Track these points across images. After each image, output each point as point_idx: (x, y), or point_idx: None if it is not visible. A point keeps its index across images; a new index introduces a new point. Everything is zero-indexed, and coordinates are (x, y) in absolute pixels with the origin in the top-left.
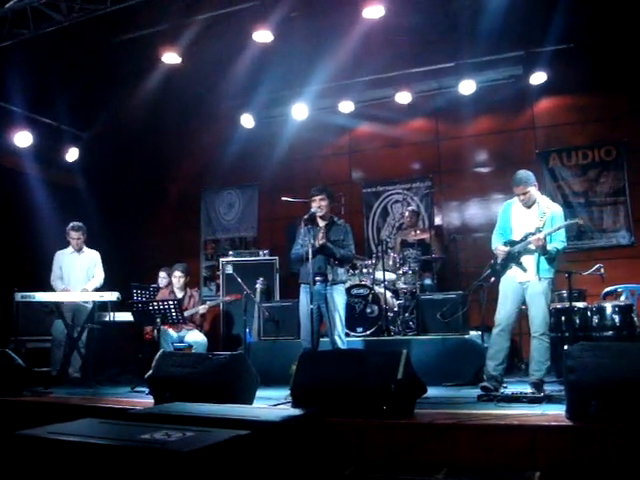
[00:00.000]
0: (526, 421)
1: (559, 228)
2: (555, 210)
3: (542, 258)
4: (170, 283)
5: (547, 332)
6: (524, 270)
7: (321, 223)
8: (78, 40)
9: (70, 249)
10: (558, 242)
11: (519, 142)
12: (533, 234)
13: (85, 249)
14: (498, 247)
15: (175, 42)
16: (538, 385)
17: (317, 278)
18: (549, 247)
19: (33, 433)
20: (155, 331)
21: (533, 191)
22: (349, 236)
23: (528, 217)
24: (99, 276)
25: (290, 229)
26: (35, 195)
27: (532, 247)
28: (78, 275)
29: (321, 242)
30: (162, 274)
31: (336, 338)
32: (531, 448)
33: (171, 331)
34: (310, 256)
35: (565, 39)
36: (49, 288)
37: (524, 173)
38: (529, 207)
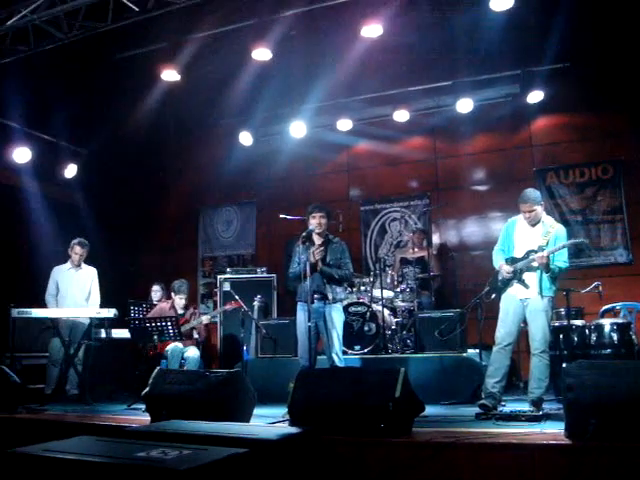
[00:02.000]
0: (525, 440)
1: (564, 246)
2: (559, 230)
3: (545, 276)
4: (164, 297)
5: (547, 350)
6: (526, 287)
7: (317, 241)
8: (78, 57)
9: (68, 265)
10: (560, 262)
11: (516, 160)
12: (536, 252)
13: (83, 265)
14: (502, 265)
15: (174, 60)
16: (537, 403)
17: (315, 296)
18: (552, 266)
19: (28, 451)
20: (157, 346)
21: (539, 210)
22: (346, 254)
23: (532, 235)
24: (97, 295)
25: (288, 247)
26: (33, 211)
27: (535, 265)
28: (75, 292)
29: (317, 258)
30: (156, 287)
31: (334, 356)
32: (530, 467)
33: (178, 344)
34: (308, 274)
35: (562, 58)
36: (44, 304)
37: (532, 192)
38: (534, 225)
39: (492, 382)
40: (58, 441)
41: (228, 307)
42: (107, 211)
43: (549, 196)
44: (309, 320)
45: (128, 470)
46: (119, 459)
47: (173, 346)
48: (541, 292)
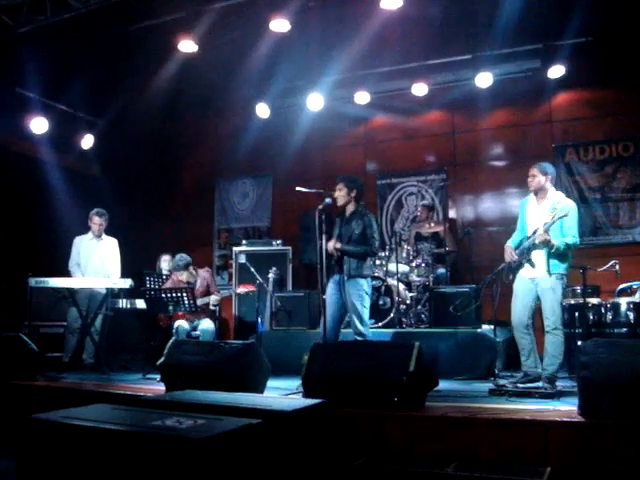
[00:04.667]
0: (538, 416)
1: (553, 222)
2: (566, 205)
3: (551, 253)
4: None
5: (560, 327)
6: (532, 266)
7: (346, 213)
8: (95, 27)
9: (90, 235)
10: (569, 237)
11: (535, 136)
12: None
13: (104, 236)
14: (506, 247)
15: (192, 30)
16: (551, 380)
17: (337, 269)
18: (556, 242)
19: (47, 417)
20: (168, 319)
21: (542, 180)
22: (371, 228)
23: (539, 213)
24: (117, 265)
25: (304, 219)
26: (50, 181)
27: (538, 242)
28: (95, 262)
29: (335, 247)
30: (165, 257)
31: (353, 330)
32: (543, 443)
33: (184, 323)
34: (324, 252)
35: (584, 32)
36: (64, 274)
37: (541, 163)
38: (541, 203)
39: (522, 361)
40: (75, 408)
41: (240, 290)
42: (123, 181)
43: (568, 173)
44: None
45: (143, 438)
46: (134, 427)
47: (179, 324)
48: (549, 270)
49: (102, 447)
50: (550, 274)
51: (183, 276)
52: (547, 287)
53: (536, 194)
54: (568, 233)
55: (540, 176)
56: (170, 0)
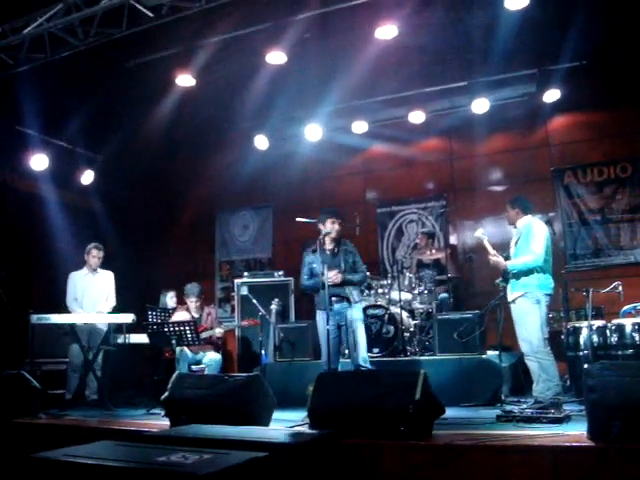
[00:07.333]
0: (547, 442)
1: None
2: (523, 226)
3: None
4: (181, 302)
5: (542, 349)
6: (504, 290)
7: (329, 245)
8: (93, 64)
9: (85, 270)
10: (523, 254)
11: (533, 160)
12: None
13: (99, 270)
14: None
15: (189, 64)
16: (558, 405)
17: (334, 299)
18: (508, 265)
19: (49, 456)
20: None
21: (512, 214)
22: (357, 256)
23: (514, 242)
24: (113, 298)
25: (305, 250)
26: (51, 217)
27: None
28: (93, 296)
29: (339, 281)
30: (171, 294)
31: (359, 359)
32: (552, 469)
33: (188, 352)
34: (326, 285)
35: (578, 56)
36: (65, 310)
37: (514, 196)
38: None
39: (533, 387)
40: (78, 446)
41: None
42: (124, 216)
43: (567, 196)
44: (327, 323)
45: (148, 475)
46: (139, 464)
47: (180, 350)
48: (513, 291)
49: None
50: (517, 297)
51: (197, 303)
52: (518, 311)
53: (514, 226)
54: (522, 252)
55: (509, 211)
56: (167, 35)
